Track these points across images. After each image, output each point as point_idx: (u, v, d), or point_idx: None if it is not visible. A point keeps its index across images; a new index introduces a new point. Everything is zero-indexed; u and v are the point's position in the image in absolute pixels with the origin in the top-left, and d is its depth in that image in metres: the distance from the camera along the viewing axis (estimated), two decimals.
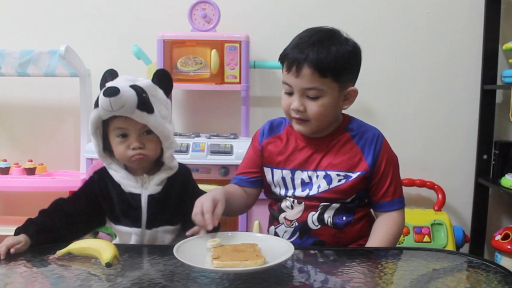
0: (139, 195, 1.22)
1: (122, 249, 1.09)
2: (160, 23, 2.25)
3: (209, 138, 2.07)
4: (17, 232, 1.13)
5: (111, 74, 1.24)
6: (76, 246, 1.07)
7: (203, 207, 1.11)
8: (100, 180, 1.25)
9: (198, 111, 2.33)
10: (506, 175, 2.12)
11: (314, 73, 1.17)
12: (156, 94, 1.21)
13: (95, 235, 1.87)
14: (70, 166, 2.31)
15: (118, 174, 1.23)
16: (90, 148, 2.05)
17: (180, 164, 1.30)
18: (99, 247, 1.02)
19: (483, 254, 2.32)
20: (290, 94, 1.22)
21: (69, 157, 2.34)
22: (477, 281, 0.99)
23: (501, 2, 2.20)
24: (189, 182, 1.30)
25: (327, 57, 1.16)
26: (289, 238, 1.28)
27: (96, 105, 1.16)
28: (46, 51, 2.08)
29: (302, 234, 1.27)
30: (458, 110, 2.32)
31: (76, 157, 2.30)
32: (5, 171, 2.12)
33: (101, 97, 1.13)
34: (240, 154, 1.95)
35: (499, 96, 2.29)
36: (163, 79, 1.25)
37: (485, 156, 2.27)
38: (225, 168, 1.98)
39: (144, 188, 1.23)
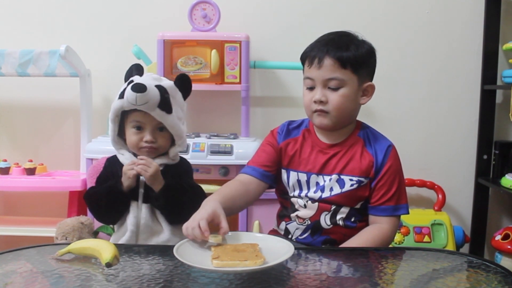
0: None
1: (122, 249, 1.09)
2: (160, 23, 2.25)
3: (209, 138, 2.07)
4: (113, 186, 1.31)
5: (137, 69, 1.36)
6: (76, 246, 1.07)
7: (200, 224, 1.05)
8: (110, 166, 1.39)
9: (198, 111, 2.33)
10: (506, 175, 2.12)
11: (335, 63, 1.23)
12: (175, 96, 1.34)
13: (95, 235, 1.87)
14: (70, 166, 2.31)
15: (124, 157, 1.36)
16: (90, 148, 2.05)
17: (182, 158, 1.41)
18: (99, 247, 1.02)
19: (483, 254, 2.32)
20: (311, 89, 1.28)
21: (69, 157, 2.33)
22: (477, 281, 0.99)
23: (501, 2, 2.20)
24: (183, 173, 1.39)
25: (347, 50, 1.24)
26: (300, 235, 1.31)
27: (121, 96, 1.28)
28: (46, 51, 2.08)
29: (314, 232, 1.30)
30: (458, 110, 2.32)
31: (76, 157, 2.29)
32: (5, 171, 2.12)
33: (128, 91, 1.25)
34: (240, 154, 1.96)
35: (499, 96, 2.29)
36: (184, 84, 1.38)
37: (485, 156, 2.27)
38: (225, 168, 1.98)
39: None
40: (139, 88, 1.23)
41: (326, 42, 1.26)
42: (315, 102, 1.26)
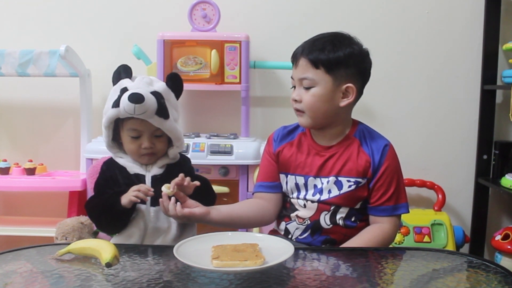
0: (143, 176, 1.31)
1: (122, 249, 1.09)
2: (160, 23, 2.25)
3: (209, 138, 2.07)
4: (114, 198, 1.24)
5: (125, 70, 1.32)
6: (76, 246, 1.07)
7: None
8: (108, 170, 1.34)
9: (198, 111, 2.33)
10: (506, 175, 2.12)
11: (307, 64, 1.25)
12: (169, 98, 1.31)
13: (95, 235, 1.87)
14: (70, 166, 2.31)
15: (124, 160, 1.33)
16: (90, 148, 2.05)
17: (181, 155, 1.40)
18: (99, 247, 1.02)
19: (483, 254, 2.32)
20: (294, 88, 1.30)
21: (69, 157, 2.33)
22: (477, 281, 0.99)
23: (501, 2, 2.20)
24: (186, 166, 1.38)
25: (320, 50, 1.24)
26: (300, 235, 1.31)
27: (116, 105, 1.24)
28: (46, 51, 2.08)
29: (313, 232, 1.30)
30: (458, 110, 2.32)
31: (76, 157, 2.29)
32: (5, 171, 2.12)
33: (125, 101, 1.21)
34: (240, 154, 1.96)
35: (499, 96, 2.29)
36: (176, 84, 1.34)
37: (485, 156, 2.27)
38: (225, 168, 1.98)
39: (148, 171, 1.32)
40: (137, 99, 1.20)
41: (307, 42, 1.28)
42: (292, 100, 1.30)
